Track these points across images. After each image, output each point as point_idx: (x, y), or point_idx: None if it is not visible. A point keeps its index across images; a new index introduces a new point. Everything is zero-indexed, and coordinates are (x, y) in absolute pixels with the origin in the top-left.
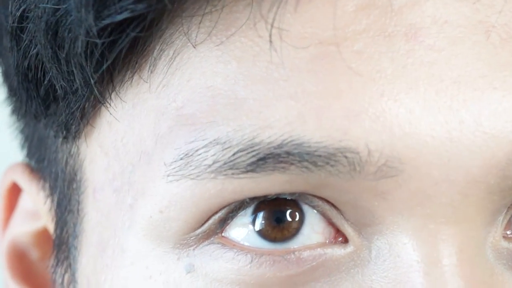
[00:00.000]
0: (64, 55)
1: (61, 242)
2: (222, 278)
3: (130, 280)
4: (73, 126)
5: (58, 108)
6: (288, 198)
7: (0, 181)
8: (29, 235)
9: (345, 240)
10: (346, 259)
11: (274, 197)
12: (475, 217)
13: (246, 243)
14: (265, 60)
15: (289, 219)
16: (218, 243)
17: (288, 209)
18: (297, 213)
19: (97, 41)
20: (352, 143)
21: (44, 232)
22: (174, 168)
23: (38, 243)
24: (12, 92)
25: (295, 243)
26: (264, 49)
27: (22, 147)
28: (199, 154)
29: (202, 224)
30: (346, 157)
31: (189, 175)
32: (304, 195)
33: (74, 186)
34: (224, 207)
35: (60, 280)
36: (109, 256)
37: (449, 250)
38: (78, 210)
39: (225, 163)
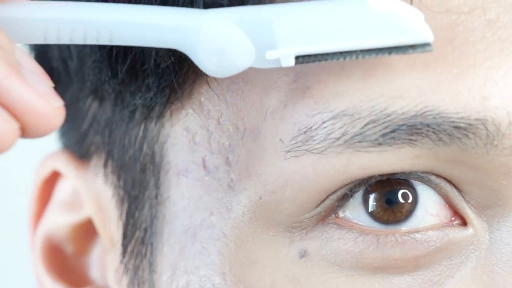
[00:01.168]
0: None
1: (129, 230)
2: (342, 261)
3: (232, 267)
4: (158, 104)
5: (143, 85)
6: (402, 178)
7: (36, 170)
8: (66, 228)
9: (463, 223)
10: (466, 242)
11: (404, 176)
12: None
13: (362, 224)
14: None
15: (401, 200)
16: (334, 224)
17: (400, 189)
18: (409, 194)
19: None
20: (491, 113)
21: (84, 225)
22: (296, 143)
23: (75, 237)
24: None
25: (408, 226)
26: None
27: None
28: (325, 127)
29: (318, 205)
30: (486, 129)
31: (313, 149)
32: (426, 175)
33: (151, 168)
34: (345, 185)
35: (132, 268)
36: (203, 241)
37: None
38: (156, 195)
39: (354, 135)
